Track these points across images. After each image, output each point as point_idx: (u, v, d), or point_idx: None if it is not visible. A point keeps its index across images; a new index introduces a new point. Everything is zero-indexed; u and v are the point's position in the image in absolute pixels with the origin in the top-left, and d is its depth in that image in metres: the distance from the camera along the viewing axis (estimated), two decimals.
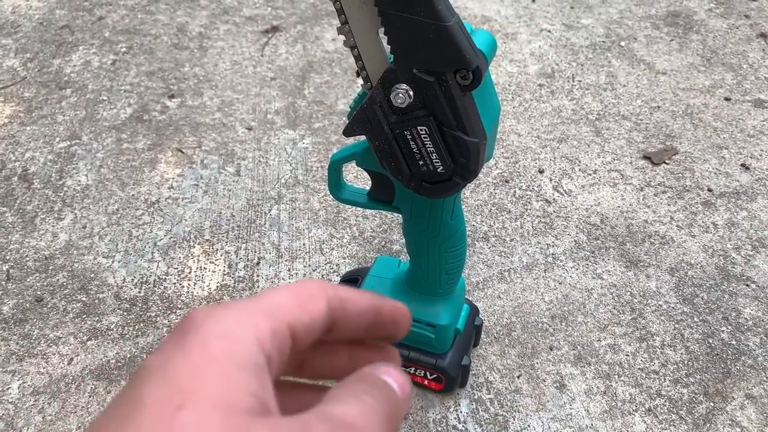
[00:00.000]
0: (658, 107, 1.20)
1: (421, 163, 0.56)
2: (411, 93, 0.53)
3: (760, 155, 1.10)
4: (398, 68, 0.52)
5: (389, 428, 0.22)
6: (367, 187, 0.66)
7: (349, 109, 0.58)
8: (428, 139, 0.54)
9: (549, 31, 1.40)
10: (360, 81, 0.56)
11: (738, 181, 1.05)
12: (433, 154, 0.55)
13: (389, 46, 0.52)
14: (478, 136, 0.54)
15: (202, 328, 0.20)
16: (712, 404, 0.74)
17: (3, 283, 0.83)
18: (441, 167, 0.55)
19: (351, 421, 0.20)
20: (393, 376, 0.24)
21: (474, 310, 0.75)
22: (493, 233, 0.93)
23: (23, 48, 1.27)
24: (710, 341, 0.81)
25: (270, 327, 0.21)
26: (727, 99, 1.23)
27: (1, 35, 1.30)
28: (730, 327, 0.83)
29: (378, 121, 0.55)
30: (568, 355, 0.78)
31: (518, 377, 0.76)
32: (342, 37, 0.52)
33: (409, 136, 0.55)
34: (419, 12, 0.48)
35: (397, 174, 0.58)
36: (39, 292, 0.82)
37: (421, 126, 0.54)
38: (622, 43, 1.38)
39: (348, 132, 0.57)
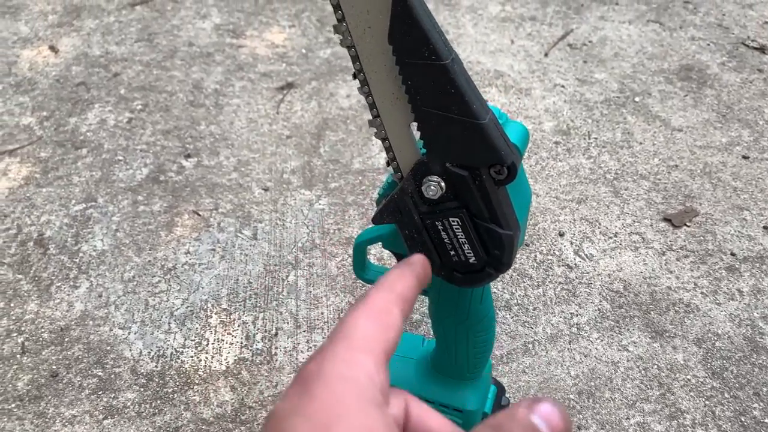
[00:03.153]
0: (676, 166, 1.20)
1: (452, 253, 0.55)
2: (443, 185, 0.52)
3: None
4: (430, 161, 0.51)
5: None
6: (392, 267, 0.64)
7: (377, 196, 0.57)
8: (460, 231, 0.53)
9: (563, 87, 1.41)
10: (390, 169, 0.55)
11: (761, 244, 1.03)
12: (466, 245, 0.54)
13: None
14: (512, 228, 0.53)
15: (322, 374, 0.22)
16: None
17: (18, 356, 0.82)
18: (473, 258, 0.54)
19: None
20: (542, 415, 0.23)
21: (500, 390, 0.73)
22: (515, 301, 0.92)
23: (40, 106, 1.27)
24: (742, 419, 0.79)
25: (373, 362, 0.23)
26: (745, 157, 1.22)
27: (19, 93, 1.30)
28: (762, 404, 0.80)
29: (408, 212, 0.54)
30: None
31: None
32: (356, 89, 0.52)
33: (440, 227, 0.54)
34: (454, 110, 0.47)
35: None
36: (54, 367, 0.81)
37: (453, 218, 0.53)
38: (637, 99, 1.38)
39: (377, 220, 0.56)
